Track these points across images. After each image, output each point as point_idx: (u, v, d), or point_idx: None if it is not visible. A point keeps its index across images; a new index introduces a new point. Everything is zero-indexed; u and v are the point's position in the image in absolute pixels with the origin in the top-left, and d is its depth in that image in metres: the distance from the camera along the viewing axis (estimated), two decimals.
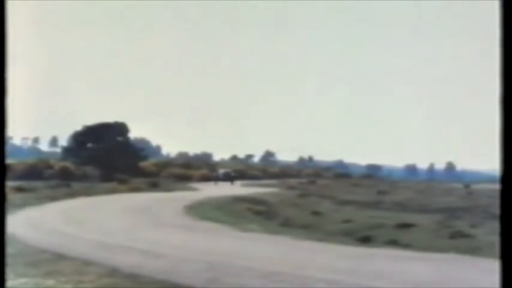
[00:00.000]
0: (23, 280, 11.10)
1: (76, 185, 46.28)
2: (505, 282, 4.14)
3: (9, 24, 4.74)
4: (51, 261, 13.38)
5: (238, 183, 66.84)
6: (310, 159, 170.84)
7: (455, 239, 20.16)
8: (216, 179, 70.63)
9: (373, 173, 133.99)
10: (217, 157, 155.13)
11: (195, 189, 51.00)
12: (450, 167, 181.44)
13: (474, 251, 16.30)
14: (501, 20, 4.19)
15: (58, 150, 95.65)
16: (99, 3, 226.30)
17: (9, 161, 5.70)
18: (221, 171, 77.00)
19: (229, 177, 71.62)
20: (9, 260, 5.78)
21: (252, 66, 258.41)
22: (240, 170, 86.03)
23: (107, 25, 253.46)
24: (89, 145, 70.70)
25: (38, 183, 44.29)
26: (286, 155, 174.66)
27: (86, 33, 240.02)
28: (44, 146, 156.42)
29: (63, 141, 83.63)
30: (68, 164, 64.07)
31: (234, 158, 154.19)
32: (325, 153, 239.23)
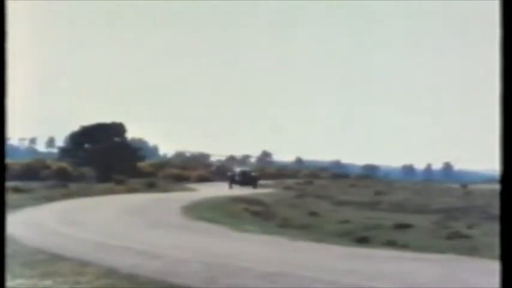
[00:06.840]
0: (19, 281, 11.07)
1: (73, 186, 46.18)
2: (505, 283, 4.13)
3: (9, 24, 4.73)
4: (48, 261, 13.34)
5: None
6: (307, 159, 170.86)
7: (452, 240, 20.22)
8: (232, 180, 54.15)
9: (370, 173, 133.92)
10: (214, 157, 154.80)
11: (192, 190, 50.92)
12: (447, 167, 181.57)
13: (472, 251, 16.33)
14: (501, 20, 4.18)
15: (55, 150, 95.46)
16: (99, 4, 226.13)
17: (6, 161, 5.68)
18: (237, 169, 58.26)
19: (249, 179, 54.13)
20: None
21: (250, 65, 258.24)
22: None
23: (105, 26, 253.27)
24: (86, 145, 70.49)
25: (35, 184, 44.20)
26: (283, 156, 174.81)
27: (85, 33, 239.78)
28: (41, 147, 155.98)
29: (60, 142, 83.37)
30: (65, 164, 63.96)
31: (231, 158, 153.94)
32: (322, 154, 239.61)
